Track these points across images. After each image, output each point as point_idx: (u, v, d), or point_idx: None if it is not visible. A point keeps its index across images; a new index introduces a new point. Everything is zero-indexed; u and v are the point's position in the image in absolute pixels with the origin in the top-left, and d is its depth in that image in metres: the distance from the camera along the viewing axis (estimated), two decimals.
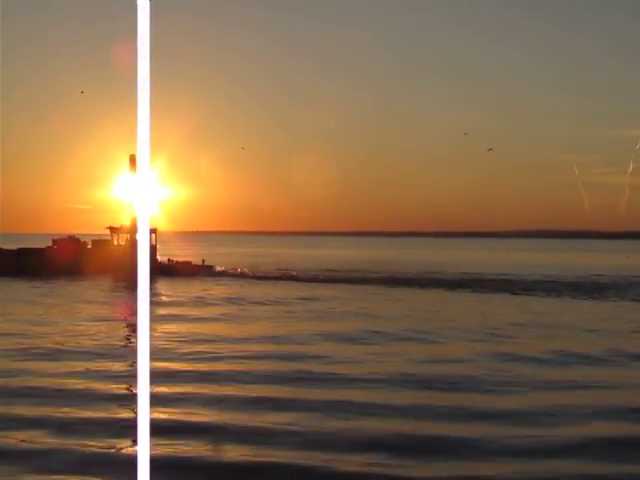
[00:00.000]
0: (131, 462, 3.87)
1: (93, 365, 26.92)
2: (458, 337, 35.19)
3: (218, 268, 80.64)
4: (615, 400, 22.16)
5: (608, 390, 23.75)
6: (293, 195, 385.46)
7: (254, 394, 22.18)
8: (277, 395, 22.20)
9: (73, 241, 78.33)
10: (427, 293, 59.78)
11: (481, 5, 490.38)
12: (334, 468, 15.29)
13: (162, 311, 44.01)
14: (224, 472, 15.29)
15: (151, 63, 4.28)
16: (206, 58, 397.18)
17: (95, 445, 16.82)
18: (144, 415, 4.15)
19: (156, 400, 20.65)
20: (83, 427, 18.31)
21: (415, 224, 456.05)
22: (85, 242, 78.84)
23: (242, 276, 76.40)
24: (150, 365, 4.39)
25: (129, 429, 17.70)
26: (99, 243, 79.03)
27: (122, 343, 32.71)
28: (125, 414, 19.57)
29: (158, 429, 17.63)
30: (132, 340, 32.70)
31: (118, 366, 26.57)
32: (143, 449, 4.16)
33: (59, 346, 31.16)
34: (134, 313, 3.81)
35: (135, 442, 4.13)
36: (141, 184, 4.22)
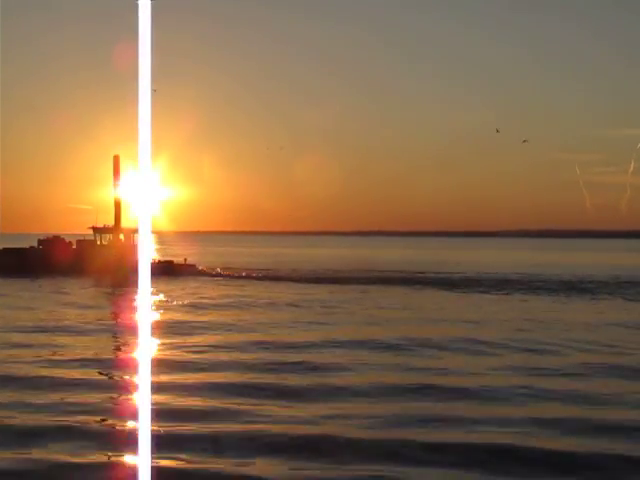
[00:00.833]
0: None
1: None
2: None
3: (200, 267, 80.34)
4: None
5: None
6: (294, 195, 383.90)
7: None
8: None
9: (58, 241, 77.97)
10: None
11: (483, 4, 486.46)
12: None
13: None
14: None
15: (152, 62, 4.20)
16: (207, 58, 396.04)
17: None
18: (145, 418, 4.08)
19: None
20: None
21: (415, 224, 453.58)
22: (70, 242, 78.46)
23: (222, 275, 76.06)
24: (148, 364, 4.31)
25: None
26: (83, 243, 78.68)
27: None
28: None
29: None
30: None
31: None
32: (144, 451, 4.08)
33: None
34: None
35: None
36: (142, 184, 4.14)
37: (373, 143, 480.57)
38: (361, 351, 29.47)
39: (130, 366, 24.94)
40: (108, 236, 79.02)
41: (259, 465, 15.06)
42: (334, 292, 58.53)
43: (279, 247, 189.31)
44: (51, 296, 52.46)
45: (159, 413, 17.05)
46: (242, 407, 19.59)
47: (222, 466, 14.89)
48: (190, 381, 22.81)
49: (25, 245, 78.30)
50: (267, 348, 29.52)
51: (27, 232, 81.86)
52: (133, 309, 44.08)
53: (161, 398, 19.83)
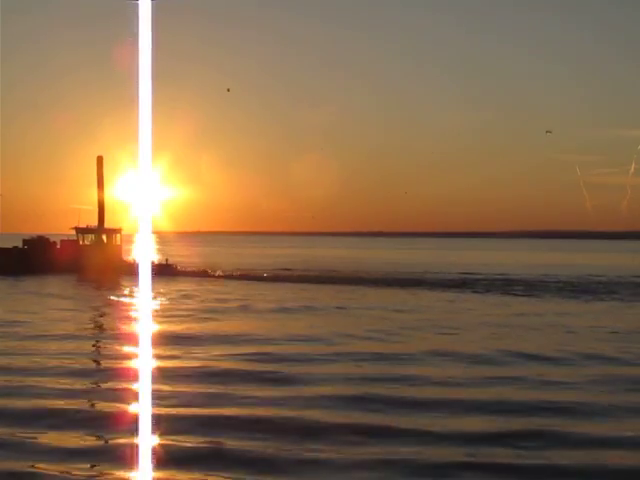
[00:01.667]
0: None
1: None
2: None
3: (180, 267, 79.97)
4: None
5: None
6: (295, 195, 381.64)
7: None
8: None
9: (43, 241, 77.67)
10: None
11: (484, 3, 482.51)
12: None
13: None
14: None
15: (153, 62, 4.12)
16: (208, 58, 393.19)
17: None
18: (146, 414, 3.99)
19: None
20: None
21: (416, 224, 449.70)
22: (55, 242, 78.18)
23: (202, 275, 75.63)
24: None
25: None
26: (67, 243, 78.42)
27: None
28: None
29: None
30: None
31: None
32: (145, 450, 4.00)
33: None
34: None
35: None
36: (142, 184, 4.06)
37: (374, 143, 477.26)
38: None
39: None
40: (90, 236, 78.72)
41: None
42: (299, 291, 58.48)
43: (273, 248, 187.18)
44: (25, 295, 52.14)
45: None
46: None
47: None
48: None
49: (17, 244, 77.85)
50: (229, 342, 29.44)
51: (30, 232, 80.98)
52: (105, 306, 45.10)
53: None
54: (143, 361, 4.03)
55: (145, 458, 3.82)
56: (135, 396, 18.71)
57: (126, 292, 54.33)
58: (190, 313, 40.95)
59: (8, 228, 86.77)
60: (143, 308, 4.04)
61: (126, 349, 27.44)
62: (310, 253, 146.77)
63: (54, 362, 25.32)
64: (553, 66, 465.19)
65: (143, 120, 4.00)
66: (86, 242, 78.36)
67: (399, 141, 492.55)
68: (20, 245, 77.04)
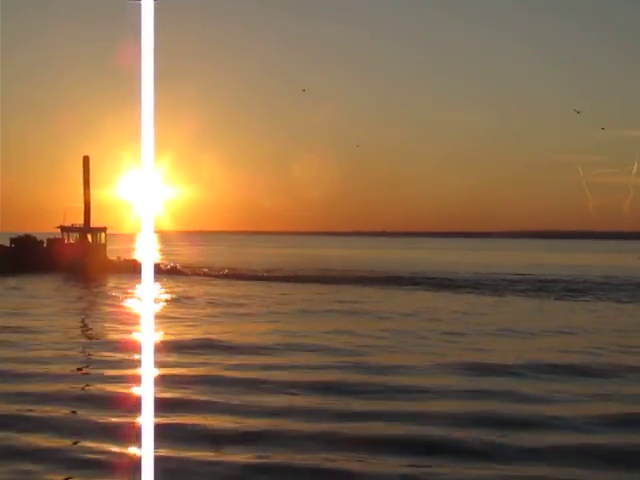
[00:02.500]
0: None
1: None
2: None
3: (163, 266, 79.65)
4: None
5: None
6: (296, 195, 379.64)
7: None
8: None
9: (30, 240, 77.39)
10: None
11: (486, 2, 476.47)
12: None
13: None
14: None
15: (155, 62, 4.06)
16: (210, 57, 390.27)
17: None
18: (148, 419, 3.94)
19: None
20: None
21: (416, 225, 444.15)
22: (42, 241, 77.92)
23: (183, 274, 75.29)
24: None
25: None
26: (53, 242, 78.12)
27: None
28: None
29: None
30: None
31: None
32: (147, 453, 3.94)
33: None
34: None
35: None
36: (145, 184, 3.99)
37: (375, 143, 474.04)
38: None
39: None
40: (75, 235, 78.46)
41: None
42: (266, 288, 58.23)
43: (269, 247, 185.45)
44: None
45: None
46: None
47: None
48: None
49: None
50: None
51: (33, 231, 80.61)
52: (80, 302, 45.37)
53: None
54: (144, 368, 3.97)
55: None
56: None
57: (113, 292, 53.93)
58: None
59: (10, 227, 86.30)
60: (147, 311, 3.97)
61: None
62: (314, 253, 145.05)
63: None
64: (554, 66, 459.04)
65: (145, 119, 3.95)
66: (71, 241, 78.10)
67: (400, 141, 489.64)
68: (8, 244, 76.70)
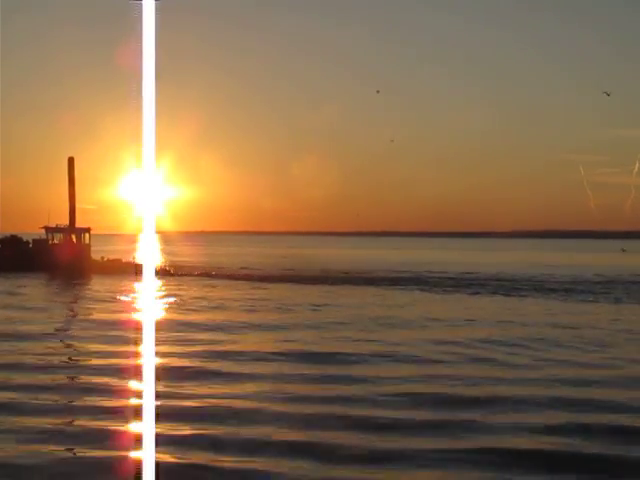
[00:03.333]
0: None
1: None
2: None
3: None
4: None
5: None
6: (297, 195, 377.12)
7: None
8: None
9: (15, 240, 77.03)
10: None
11: (489, 2, 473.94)
12: None
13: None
14: None
15: (156, 62, 3.99)
16: (211, 58, 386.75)
17: None
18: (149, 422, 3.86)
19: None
20: None
21: (418, 224, 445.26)
22: (27, 241, 77.58)
23: (167, 274, 74.96)
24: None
25: None
26: (39, 242, 77.84)
27: None
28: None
29: None
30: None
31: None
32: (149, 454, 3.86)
33: None
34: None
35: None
36: (146, 184, 3.91)
37: (377, 143, 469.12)
38: None
39: None
40: (60, 235, 78.10)
41: None
42: (229, 288, 58.32)
43: (268, 247, 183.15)
44: None
45: None
46: None
47: None
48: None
49: None
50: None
51: (34, 231, 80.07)
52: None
53: None
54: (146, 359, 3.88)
55: None
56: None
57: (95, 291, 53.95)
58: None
59: (11, 228, 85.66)
60: (148, 312, 3.89)
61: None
62: (315, 253, 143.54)
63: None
64: (555, 65, 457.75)
65: (147, 119, 3.88)
66: (55, 241, 77.75)
67: (402, 141, 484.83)
68: None
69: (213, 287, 59.09)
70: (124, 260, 78.63)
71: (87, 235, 78.58)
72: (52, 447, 15.03)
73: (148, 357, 3.89)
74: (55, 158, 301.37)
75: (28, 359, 24.76)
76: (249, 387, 20.66)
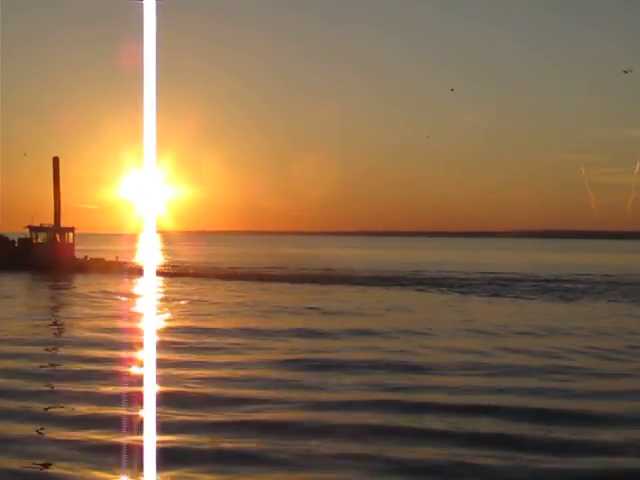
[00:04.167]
0: None
1: None
2: None
3: (129, 265, 78.87)
4: None
5: None
6: (298, 195, 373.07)
7: None
8: None
9: (1, 239, 76.65)
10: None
11: (491, 2, 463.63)
12: None
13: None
14: None
15: (157, 62, 3.93)
16: (212, 57, 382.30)
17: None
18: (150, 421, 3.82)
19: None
20: None
21: (419, 224, 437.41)
22: (13, 240, 77.27)
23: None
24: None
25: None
26: (24, 241, 77.54)
27: None
28: None
29: None
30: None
31: None
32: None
33: None
34: None
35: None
36: (147, 183, 3.86)
37: (378, 143, 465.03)
38: None
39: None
40: (43, 234, 77.77)
41: None
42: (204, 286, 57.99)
43: (266, 247, 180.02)
44: None
45: None
46: None
47: None
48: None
49: None
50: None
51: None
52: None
53: None
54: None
55: None
56: None
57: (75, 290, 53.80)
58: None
59: (12, 227, 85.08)
60: (149, 311, 3.85)
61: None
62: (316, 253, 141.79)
63: None
64: (556, 66, 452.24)
65: (148, 119, 3.82)
66: (39, 240, 77.44)
67: (403, 141, 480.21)
68: None
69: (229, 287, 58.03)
70: (107, 259, 78.46)
71: (71, 234, 78.32)
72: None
73: (149, 353, 3.85)
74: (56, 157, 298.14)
75: None
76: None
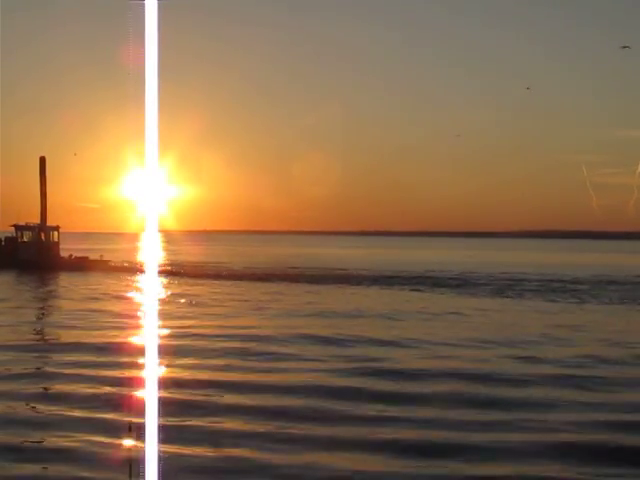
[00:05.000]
0: None
1: None
2: None
3: (112, 263, 78.60)
4: None
5: None
6: (300, 195, 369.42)
7: None
8: None
9: None
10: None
11: (495, 1, 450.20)
12: None
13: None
14: None
15: (158, 61, 3.87)
16: (214, 56, 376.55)
17: None
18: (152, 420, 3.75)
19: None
20: None
21: (421, 224, 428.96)
22: (0, 239, 77.03)
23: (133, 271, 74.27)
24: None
25: None
26: (10, 240, 77.25)
27: None
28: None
29: None
30: None
31: None
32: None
33: None
34: None
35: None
36: (149, 183, 3.80)
37: (381, 143, 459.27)
38: None
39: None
40: (28, 233, 77.52)
41: None
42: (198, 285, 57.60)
43: (265, 247, 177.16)
44: None
45: None
46: None
47: None
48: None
49: None
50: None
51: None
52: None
53: None
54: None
55: None
56: None
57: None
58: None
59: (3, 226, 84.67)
60: (150, 310, 3.78)
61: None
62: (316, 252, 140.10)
63: None
64: (557, 66, 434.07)
65: (149, 118, 3.77)
66: (25, 239, 77.20)
67: (405, 141, 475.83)
68: None
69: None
70: (91, 258, 78.25)
71: (56, 233, 78.05)
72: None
73: (150, 348, 3.80)
74: (57, 156, 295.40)
75: None
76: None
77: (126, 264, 78.88)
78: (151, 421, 3.67)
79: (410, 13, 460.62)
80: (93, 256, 78.88)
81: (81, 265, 74.08)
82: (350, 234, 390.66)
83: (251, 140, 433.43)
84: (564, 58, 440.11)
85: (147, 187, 3.80)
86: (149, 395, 3.70)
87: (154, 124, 3.82)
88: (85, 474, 12.68)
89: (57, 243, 77.71)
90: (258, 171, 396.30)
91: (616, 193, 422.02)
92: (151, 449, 3.66)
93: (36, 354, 24.14)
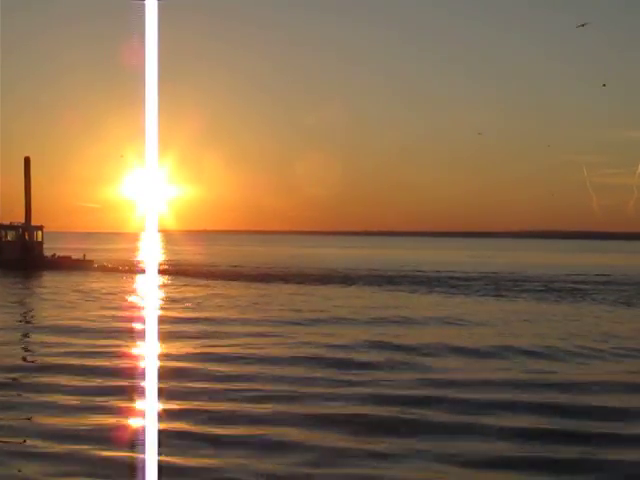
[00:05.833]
0: None
1: None
2: None
3: (95, 264, 78.45)
4: None
5: None
6: (300, 194, 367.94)
7: None
8: None
9: None
10: None
11: (497, 3, 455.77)
12: None
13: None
14: None
15: (159, 61, 3.82)
16: (214, 56, 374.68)
17: None
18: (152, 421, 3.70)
19: None
20: None
21: (422, 224, 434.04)
22: None
23: (117, 270, 74.23)
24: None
25: None
26: None
27: None
28: None
29: None
30: None
31: None
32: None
33: None
34: None
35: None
36: (149, 182, 3.75)
37: (382, 144, 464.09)
38: None
39: None
40: (12, 233, 77.29)
41: None
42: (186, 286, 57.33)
43: (264, 247, 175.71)
44: None
45: None
46: None
47: None
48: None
49: None
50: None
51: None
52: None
53: None
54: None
55: None
56: None
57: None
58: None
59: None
60: (150, 309, 3.72)
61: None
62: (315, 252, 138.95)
63: None
64: (557, 66, 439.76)
65: (149, 118, 3.73)
66: (8, 238, 77.02)
67: (406, 141, 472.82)
68: None
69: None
70: (74, 257, 78.18)
71: (40, 233, 78.02)
72: None
73: (150, 348, 3.75)
74: (58, 156, 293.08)
75: None
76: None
77: (109, 264, 78.80)
78: (150, 427, 3.63)
79: (410, 13, 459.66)
80: (75, 256, 78.82)
81: (63, 265, 74.30)
82: (350, 234, 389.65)
83: (251, 140, 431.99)
84: (564, 58, 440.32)
85: (147, 187, 3.74)
86: (149, 397, 3.66)
87: (154, 124, 3.78)
88: None
89: (41, 243, 77.67)
90: (258, 171, 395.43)
91: (616, 193, 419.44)
92: (151, 451, 3.62)
93: None
